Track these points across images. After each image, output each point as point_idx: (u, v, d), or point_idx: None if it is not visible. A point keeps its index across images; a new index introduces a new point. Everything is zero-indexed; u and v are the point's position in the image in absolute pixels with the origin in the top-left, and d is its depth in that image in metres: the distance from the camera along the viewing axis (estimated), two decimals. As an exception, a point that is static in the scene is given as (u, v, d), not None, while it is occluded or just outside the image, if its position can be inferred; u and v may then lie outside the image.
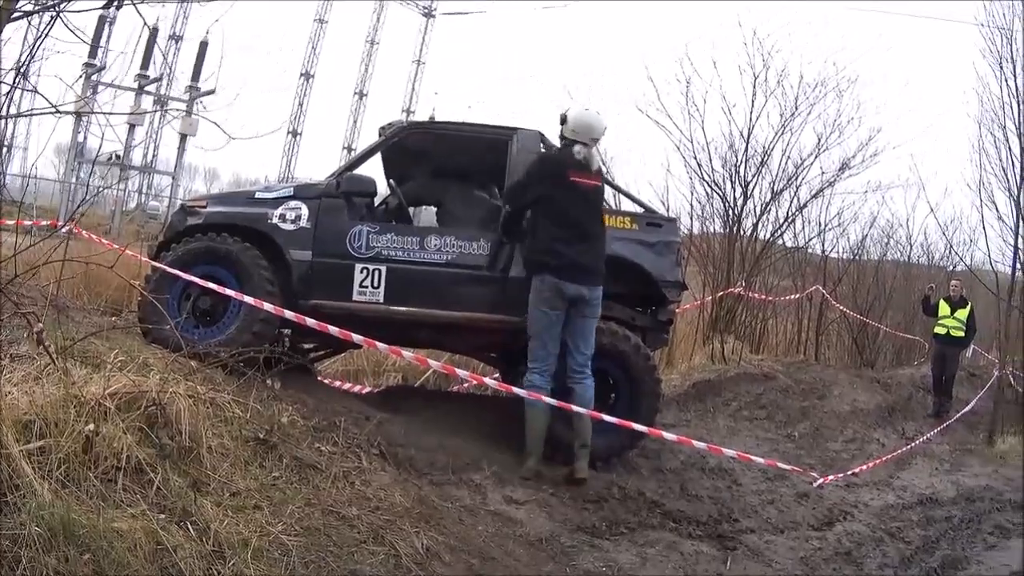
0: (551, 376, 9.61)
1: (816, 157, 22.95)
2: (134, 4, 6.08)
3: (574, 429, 9.62)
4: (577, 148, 9.82)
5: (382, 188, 11.46)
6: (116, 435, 5.68)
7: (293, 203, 10.28)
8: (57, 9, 5.79)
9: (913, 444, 14.99)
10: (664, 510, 9.34)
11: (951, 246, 27.64)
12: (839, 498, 11.39)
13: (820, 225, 25.21)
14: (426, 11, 60.40)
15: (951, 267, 29.23)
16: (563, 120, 9.98)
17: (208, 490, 6.03)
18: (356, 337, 9.14)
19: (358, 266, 10.22)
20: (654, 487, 10.07)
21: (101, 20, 41.10)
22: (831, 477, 11.06)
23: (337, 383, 13.15)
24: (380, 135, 11.42)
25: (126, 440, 5.71)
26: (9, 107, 7.42)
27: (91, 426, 5.51)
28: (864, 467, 12.48)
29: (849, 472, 12.05)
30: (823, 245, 26.02)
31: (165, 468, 5.81)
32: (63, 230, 8.49)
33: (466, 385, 13.47)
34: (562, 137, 10.01)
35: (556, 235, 9.61)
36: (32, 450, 5.26)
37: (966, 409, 18.64)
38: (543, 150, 10.81)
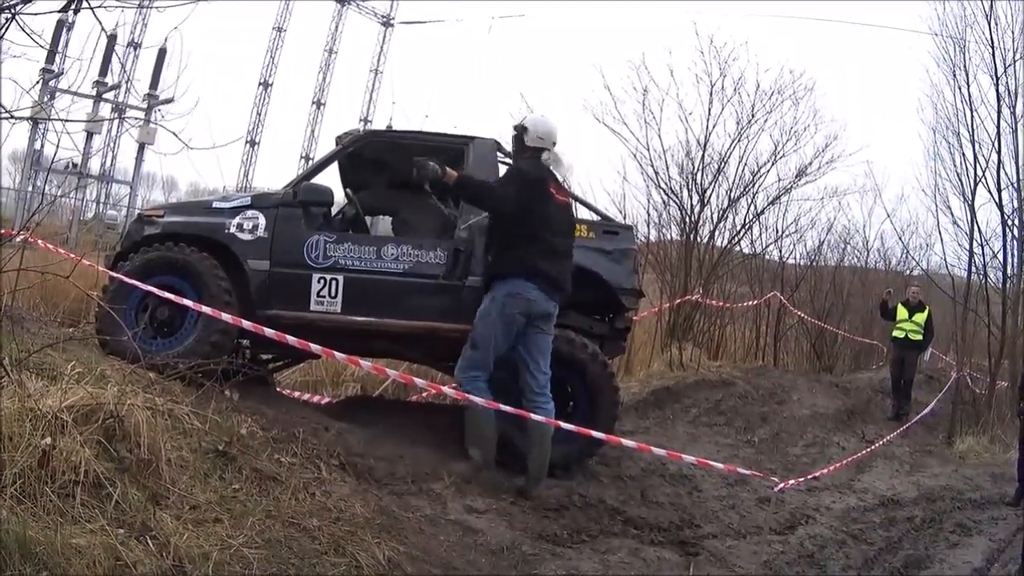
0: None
1: (773, 164, 23.05)
2: (91, 8, 6.00)
3: (531, 455, 9.54)
4: (545, 156, 9.75)
5: (339, 197, 11.44)
6: (73, 449, 5.61)
7: (250, 213, 10.24)
8: (13, 11, 5.72)
9: (873, 447, 15.06)
10: (625, 517, 9.34)
11: (907, 251, 27.80)
12: (800, 502, 11.43)
13: (777, 232, 25.31)
14: (384, 20, 60.35)
15: (908, 272, 29.41)
16: (523, 129, 9.86)
17: (167, 503, 5.97)
18: (314, 347, 9.06)
19: (315, 276, 10.19)
20: (615, 494, 10.06)
21: (59, 25, 40.75)
22: (792, 481, 11.06)
23: (296, 394, 13.11)
24: (337, 144, 11.41)
25: (84, 454, 5.63)
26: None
27: (48, 440, 5.44)
28: (825, 471, 12.55)
29: (810, 476, 12.13)
30: (780, 251, 26.11)
31: (124, 482, 5.74)
32: (18, 239, 8.42)
33: (425, 395, 13.43)
34: (525, 148, 9.88)
35: (532, 248, 9.42)
36: (-16, 465, 5.20)
37: (925, 411, 18.79)
38: (500, 157, 10.84)
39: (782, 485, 10.71)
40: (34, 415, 5.67)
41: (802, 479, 11.67)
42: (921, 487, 13.28)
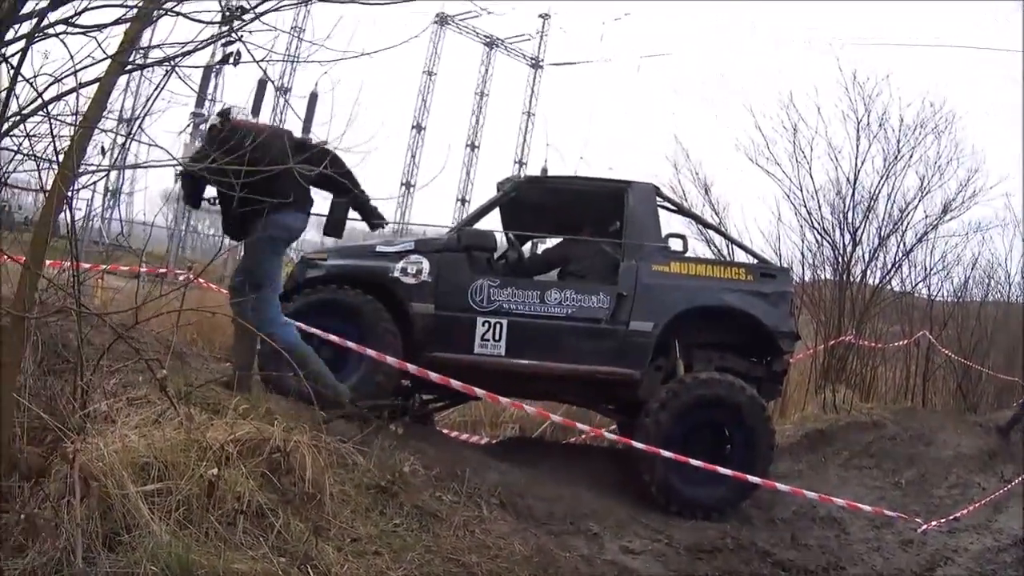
0: None
1: (919, 200, 22.79)
2: (256, 62, 6.18)
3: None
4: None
5: (501, 242, 11.60)
6: (238, 480, 5.81)
7: (414, 257, 10.51)
8: (172, 63, 5.92)
9: (1010, 486, 14.83)
10: (775, 559, 9.35)
11: (1048, 284, 27.30)
12: (941, 543, 11.32)
13: (926, 269, 24.99)
14: (533, 62, 60.75)
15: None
16: (228, 111, 9.39)
17: (329, 535, 6.15)
18: (479, 391, 9.25)
19: (480, 319, 10.42)
20: (766, 537, 10.06)
21: (207, 70, 41.41)
22: (934, 523, 11.04)
23: (455, 433, 13.26)
24: (498, 190, 11.71)
25: (248, 485, 5.83)
26: (124, 157, 7.60)
27: (214, 470, 5.61)
28: (965, 511, 12.42)
29: (951, 517, 12.02)
30: (929, 289, 25.76)
31: (287, 513, 5.92)
32: (182, 279, 8.52)
33: (583, 436, 13.51)
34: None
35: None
36: (149, 491, 5.42)
37: (1062, 446, 18.41)
38: (660, 201, 10.99)
39: (925, 527, 10.70)
40: (199, 446, 5.86)
41: (943, 520, 11.62)
42: (1053, 527, 13.09)
